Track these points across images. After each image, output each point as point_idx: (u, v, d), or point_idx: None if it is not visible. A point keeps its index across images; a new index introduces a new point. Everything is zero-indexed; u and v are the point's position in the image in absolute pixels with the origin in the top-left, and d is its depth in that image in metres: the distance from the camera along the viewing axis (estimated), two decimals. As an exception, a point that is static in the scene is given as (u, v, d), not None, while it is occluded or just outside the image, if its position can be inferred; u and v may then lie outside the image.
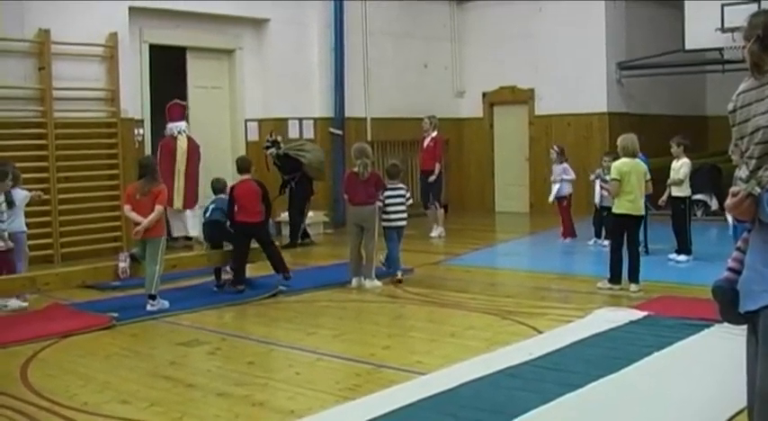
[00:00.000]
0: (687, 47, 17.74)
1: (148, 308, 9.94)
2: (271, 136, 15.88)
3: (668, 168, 12.73)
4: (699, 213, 17.15)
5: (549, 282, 11.59)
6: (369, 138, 17.71)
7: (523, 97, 20.25)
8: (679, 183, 12.44)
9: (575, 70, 19.11)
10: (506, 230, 17.11)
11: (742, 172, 3.45)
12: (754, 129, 3.38)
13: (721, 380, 6.11)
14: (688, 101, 21.67)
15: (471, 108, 21.19)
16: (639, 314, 8.92)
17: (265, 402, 6.45)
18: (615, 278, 10.59)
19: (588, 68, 19.07)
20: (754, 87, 3.42)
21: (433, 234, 16.28)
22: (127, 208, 10.36)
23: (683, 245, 12.52)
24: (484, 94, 21.02)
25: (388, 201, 11.69)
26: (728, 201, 3.44)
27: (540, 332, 8.48)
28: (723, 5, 16.30)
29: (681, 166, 12.45)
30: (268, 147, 15.63)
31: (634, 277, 10.53)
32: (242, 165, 11.68)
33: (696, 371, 6.89)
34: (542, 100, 19.87)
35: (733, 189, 3.43)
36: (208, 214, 11.46)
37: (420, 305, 10.20)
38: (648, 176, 11.03)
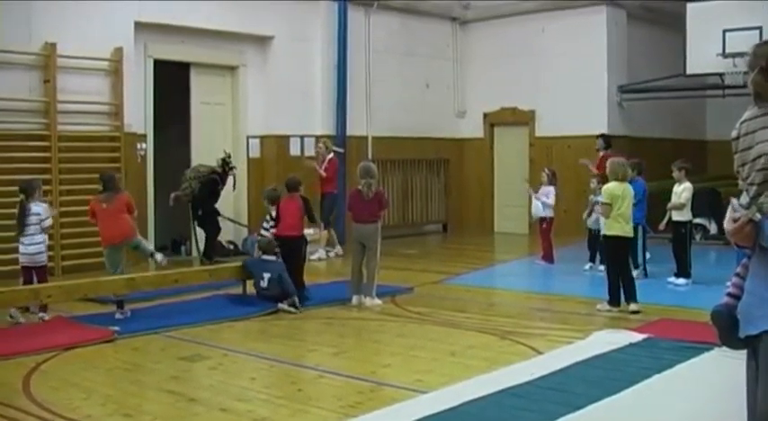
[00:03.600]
0: (688, 71, 17.83)
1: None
2: (228, 157, 15.84)
3: (668, 192, 12.78)
4: (698, 237, 17.19)
5: (549, 303, 11.65)
6: (370, 157, 17.77)
7: (524, 118, 20.32)
8: (680, 207, 12.48)
9: (576, 92, 19.18)
10: (506, 251, 17.18)
11: (742, 198, 3.52)
12: (757, 155, 3.44)
13: (720, 404, 6.16)
14: (688, 125, 21.76)
15: (472, 128, 21.26)
16: (639, 336, 8.96)
17: (267, 418, 6.49)
18: (614, 300, 10.65)
19: (589, 91, 19.15)
20: (759, 115, 3.49)
21: (314, 257, 15.83)
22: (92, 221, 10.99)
23: (682, 268, 12.57)
24: (485, 115, 21.09)
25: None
26: (729, 227, 3.50)
27: (541, 353, 8.52)
28: (725, 31, 16.41)
29: (683, 191, 12.50)
30: (232, 168, 15.59)
31: (631, 297, 10.62)
32: (290, 184, 12.02)
33: (695, 394, 6.93)
34: (543, 121, 19.94)
35: (734, 215, 3.49)
36: (264, 284, 11.23)
37: (420, 324, 10.24)
38: (635, 200, 11.17)
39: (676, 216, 12.58)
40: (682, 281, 12.48)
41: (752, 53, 3.56)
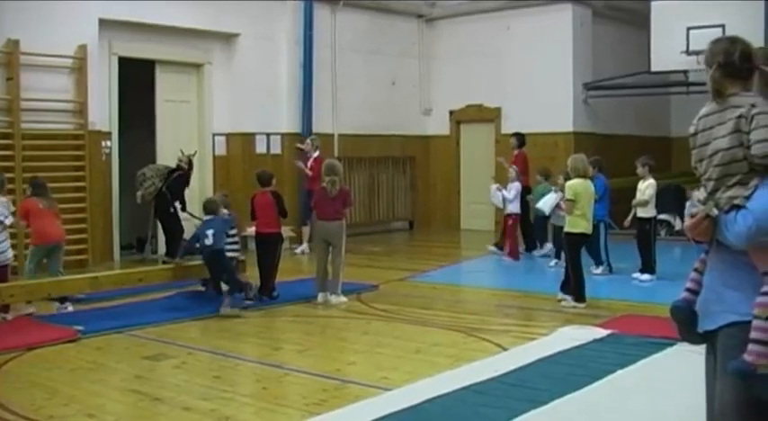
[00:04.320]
0: (653, 68, 17.90)
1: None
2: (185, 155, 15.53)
3: (633, 188, 12.86)
4: (663, 233, 17.30)
5: (514, 299, 11.67)
6: (336, 155, 17.75)
7: (490, 115, 20.35)
8: (644, 203, 12.55)
9: (541, 89, 19.23)
10: (471, 248, 17.19)
11: (700, 193, 3.54)
12: (714, 151, 3.47)
13: (683, 398, 6.17)
14: (653, 122, 21.89)
15: (438, 125, 21.28)
16: (603, 332, 9.00)
17: (231, 417, 6.47)
18: (580, 296, 10.71)
19: (555, 88, 19.20)
20: (716, 111, 3.51)
21: (298, 250, 16.51)
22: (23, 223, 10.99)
23: (647, 264, 12.66)
24: (451, 112, 21.11)
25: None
26: (687, 222, 3.53)
27: (505, 349, 8.56)
28: (688, 29, 16.50)
29: (646, 187, 12.57)
30: (185, 166, 15.38)
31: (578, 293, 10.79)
32: (262, 179, 11.95)
33: (658, 389, 6.97)
34: (509, 118, 19.97)
35: (692, 210, 3.52)
36: (209, 241, 10.93)
37: (386, 321, 10.25)
38: (596, 196, 11.25)
39: (640, 212, 12.66)
40: (646, 277, 12.57)
41: (708, 50, 3.58)
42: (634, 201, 12.76)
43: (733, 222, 3.36)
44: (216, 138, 17.48)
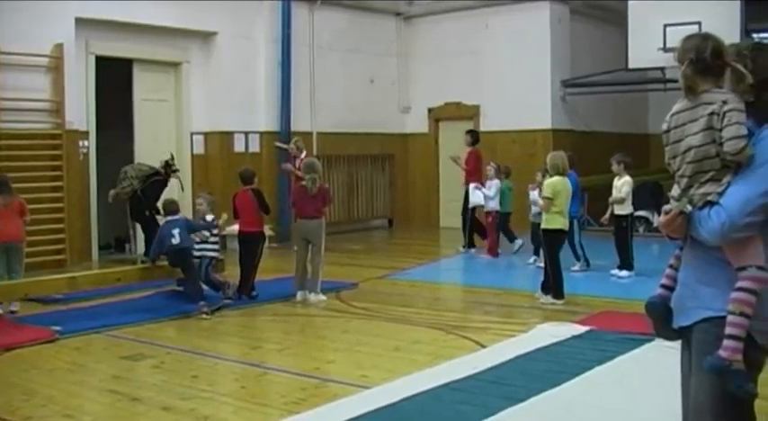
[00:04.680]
0: (630, 66, 17.99)
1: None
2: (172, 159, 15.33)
3: (611, 185, 12.90)
4: (641, 229, 17.39)
5: (493, 297, 11.68)
6: (315, 153, 17.74)
7: (469, 113, 20.38)
8: (621, 201, 12.60)
9: (520, 87, 19.28)
10: (451, 245, 17.18)
11: (674, 190, 3.55)
12: (687, 148, 3.48)
13: (661, 394, 6.18)
14: (631, 118, 21.97)
15: (417, 123, 21.31)
16: (581, 329, 9.03)
17: (210, 416, 6.46)
18: (559, 293, 10.74)
19: (533, 85, 19.26)
20: (688, 108, 3.52)
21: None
22: None
23: (624, 261, 12.70)
24: (429, 110, 21.15)
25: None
26: (661, 219, 3.54)
27: (484, 346, 8.57)
28: (665, 26, 16.58)
29: (622, 185, 12.61)
30: (175, 171, 15.28)
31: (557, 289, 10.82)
32: (244, 177, 11.89)
33: (636, 385, 7.00)
34: (487, 116, 20.02)
35: (665, 207, 3.53)
36: (176, 240, 10.85)
37: (365, 319, 10.25)
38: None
39: (617, 210, 12.70)
40: (624, 273, 12.62)
41: (680, 47, 3.59)
42: (611, 199, 12.81)
43: (706, 219, 3.37)
44: (194, 137, 17.45)
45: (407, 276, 13.56)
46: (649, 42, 16.96)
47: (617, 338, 8.47)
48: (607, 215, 13.00)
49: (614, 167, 12.73)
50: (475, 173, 16.12)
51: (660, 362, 7.20)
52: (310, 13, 19.02)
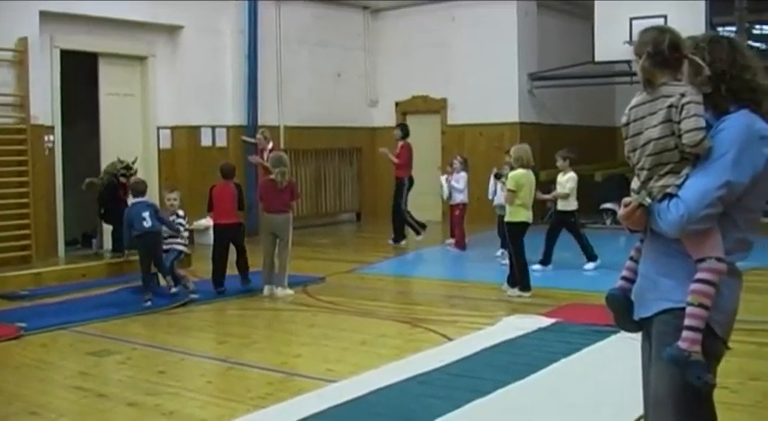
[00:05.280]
0: (597, 59, 18.07)
1: None
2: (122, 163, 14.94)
3: (578, 178, 12.91)
4: (608, 222, 17.50)
5: (460, 289, 11.72)
6: (282, 147, 17.68)
7: (436, 107, 20.41)
8: (565, 196, 12.58)
9: (487, 80, 19.32)
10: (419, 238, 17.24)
11: (634, 183, 3.57)
12: (646, 141, 3.50)
13: (626, 385, 6.19)
14: (598, 112, 22.03)
15: (384, 117, 21.25)
16: (548, 321, 9.08)
17: (176, 411, 6.44)
18: (525, 285, 10.78)
19: (500, 78, 19.30)
20: (647, 101, 3.54)
21: None
22: None
23: (588, 254, 12.72)
24: (397, 104, 21.15)
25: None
26: (621, 212, 3.56)
27: (451, 339, 8.59)
28: (631, 19, 16.61)
29: (567, 180, 12.61)
30: (124, 175, 14.85)
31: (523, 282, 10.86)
32: (226, 171, 11.93)
33: (602, 377, 7.04)
34: (455, 109, 20.06)
35: (625, 199, 3.55)
36: (147, 223, 10.80)
37: (332, 313, 10.24)
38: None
39: (561, 205, 12.70)
40: (591, 265, 12.63)
41: (637, 40, 3.60)
42: (554, 194, 12.82)
43: (666, 211, 3.39)
44: (161, 131, 17.34)
45: (375, 270, 13.57)
46: (616, 36, 17.01)
47: (583, 330, 8.51)
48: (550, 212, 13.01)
49: (559, 163, 12.74)
50: (406, 166, 16.24)
51: (625, 354, 7.23)
52: (277, 7, 18.96)
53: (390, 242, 16.32)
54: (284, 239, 11.46)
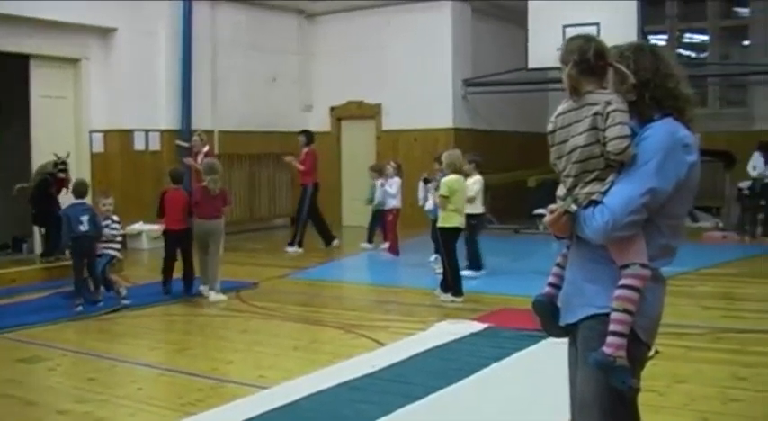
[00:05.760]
0: (530, 65, 18.21)
1: None
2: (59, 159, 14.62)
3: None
4: (541, 227, 17.63)
5: (393, 295, 11.74)
6: (217, 151, 17.58)
7: (371, 112, 20.46)
8: (471, 200, 12.58)
9: (421, 86, 19.41)
10: (352, 244, 17.22)
11: (559, 190, 3.61)
12: (572, 148, 3.54)
13: (555, 389, 6.28)
14: (532, 118, 22.09)
15: (319, 122, 21.19)
16: (480, 326, 9.13)
17: (106, 419, 6.39)
18: (458, 290, 10.83)
19: (435, 84, 19.40)
20: (573, 109, 3.59)
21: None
22: None
23: (472, 261, 12.73)
24: (332, 109, 21.16)
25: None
26: (546, 218, 3.60)
27: (383, 345, 8.60)
28: (564, 26, 16.77)
29: (473, 183, 12.61)
30: (63, 170, 14.66)
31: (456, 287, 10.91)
32: (175, 176, 11.95)
33: (531, 381, 7.10)
34: (389, 115, 20.11)
35: (551, 206, 3.59)
36: (84, 227, 10.65)
37: (265, 319, 10.21)
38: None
39: (467, 209, 12.71)
40: (470, 272, 12.43)
41: (564, 48, 3.66)
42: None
43: (591, 218, 3.43)
44: (93, 134, 17.15)
45: (308, 275, 13.53)
46: (549, 43, 16.90)
47: (514, 335, 8.57)
48: None
49: (465, 167, 12.76)
50: (311, 172, 16.29)
51: (555, 358, 7.30)
52: (212, 10, 18.88)
53: (325, 247, 16.29)
54: (216, 244, 11.47)
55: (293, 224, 16.66)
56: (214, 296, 11.25)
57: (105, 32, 17.20)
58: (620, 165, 3.44)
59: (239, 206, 19.19)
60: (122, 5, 16.98)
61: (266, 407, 6.34)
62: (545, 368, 7.27)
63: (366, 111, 20.51)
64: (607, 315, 3.44)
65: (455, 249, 11.06)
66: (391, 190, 15.17)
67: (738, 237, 17.05)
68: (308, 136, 16.86)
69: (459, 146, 14.80)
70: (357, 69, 20.38)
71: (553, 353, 7.48)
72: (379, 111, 20.31)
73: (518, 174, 19.42)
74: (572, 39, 3.66)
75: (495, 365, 7.58)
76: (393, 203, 15.23)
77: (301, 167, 16.38)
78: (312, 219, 16.47)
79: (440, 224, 11.09)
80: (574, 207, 3.48)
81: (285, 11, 20.81)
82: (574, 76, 3.56)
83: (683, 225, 3.68)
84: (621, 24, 16.33)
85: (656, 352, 7.54)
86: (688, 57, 23.60)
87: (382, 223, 16.02)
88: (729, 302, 10.90)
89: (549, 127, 3.70)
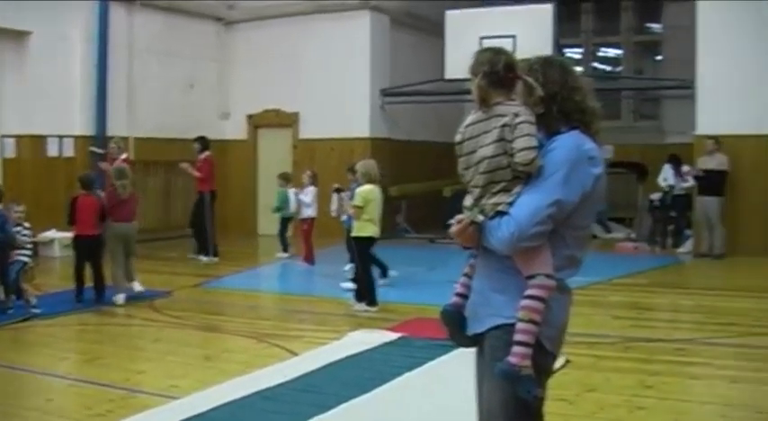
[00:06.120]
0: (447, 76, 18.27)
1: None
2: None
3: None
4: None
5: (308, 304, 11.72)
6: (132, 158, 17.37)
7: (288, 120, 20.41)
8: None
9: (339, 95, 19.44)
10: (267, 253, 17.16)
11: (466, 200, 3.63)
12: (480, 159, 3.56)
13: (466, 399, 6.31)
14: (449, 128, 21.99)
15: (236, 130, 21.15)
16: (393, 335, 9.17)
17: (12, 430, 6.28)
18: (372, 300, 10.84)
19: (352, 94, 19.43)
20: (482, 120, 3.63)
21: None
22: None
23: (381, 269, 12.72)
24: (249, 117, 21.06)
25: None
26: (453, 228, 3.62)
27: (297, 354, 8.58)
28: (481, 38, 16.87)
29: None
30: None
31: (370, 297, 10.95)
32: (86, 182, 11.82)
33: (443, 390, 7.12)
34: (307, 123, 20.09)
35: (458, 217, 3.61)
36: None
37: (178, 328, 10.12)
38: None
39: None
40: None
41: (474, 60, 3.71)
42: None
43: (497, 228, 3.46)
44: (5, 140, 16.86)
45: (223, 284, 13.46)
46: (466, 53, 16.63)
47: (427, 345, 8.60)
48: None
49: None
50: (208, 179, 16.16)
51: (469, 368, 7.35)
52: (129, 15, 18.68)
53: (200, 258, 15.99)
54: (131, 247, 11.67)
55: (194, 235, 16.35)
56: (121, 297, 11.38)
57: (19, 36, 16.91)
58: (526, 176, 3.47)
59: (154, 213, 18.98)
60: (38, 8, 16.70)
61: (177, 418, 6.28)
62: (456, 377, 7.26)
63: (283, 120, 20.45)
64: (513, 325, 3.47)
65: (369, 259, 11.08)
66: (306, 199, 15.16)
67: (649, 248, 17.36)
68: (204, 142, 16.60)
69: (377, 156, 14.86)
70: (275, 77, 20.30)
71: (464, 363, 7.53)
72: (297, 120, 20.27)
73: (434, 184, 19.53)
74: (482, 51, 3.72)
75: (407, 374, 7.61)
76: (308, 213, 15.21)
77: (198, 174, 16.17)
78: (202, 227, 16.20)
79: (354, 233, 11.12)
80: (480, 217, 3.51)
81: (203, 17, 20.68)
82: (483, 87, 3.61)
83: (588, 236, 3.74)
84: (537, 37, 16.49)
85: (567, 361, 7.66)
86: (603, 70, 23.97)
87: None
88: (639, 312, 11.05)
89: (458, 137, 3.73)
